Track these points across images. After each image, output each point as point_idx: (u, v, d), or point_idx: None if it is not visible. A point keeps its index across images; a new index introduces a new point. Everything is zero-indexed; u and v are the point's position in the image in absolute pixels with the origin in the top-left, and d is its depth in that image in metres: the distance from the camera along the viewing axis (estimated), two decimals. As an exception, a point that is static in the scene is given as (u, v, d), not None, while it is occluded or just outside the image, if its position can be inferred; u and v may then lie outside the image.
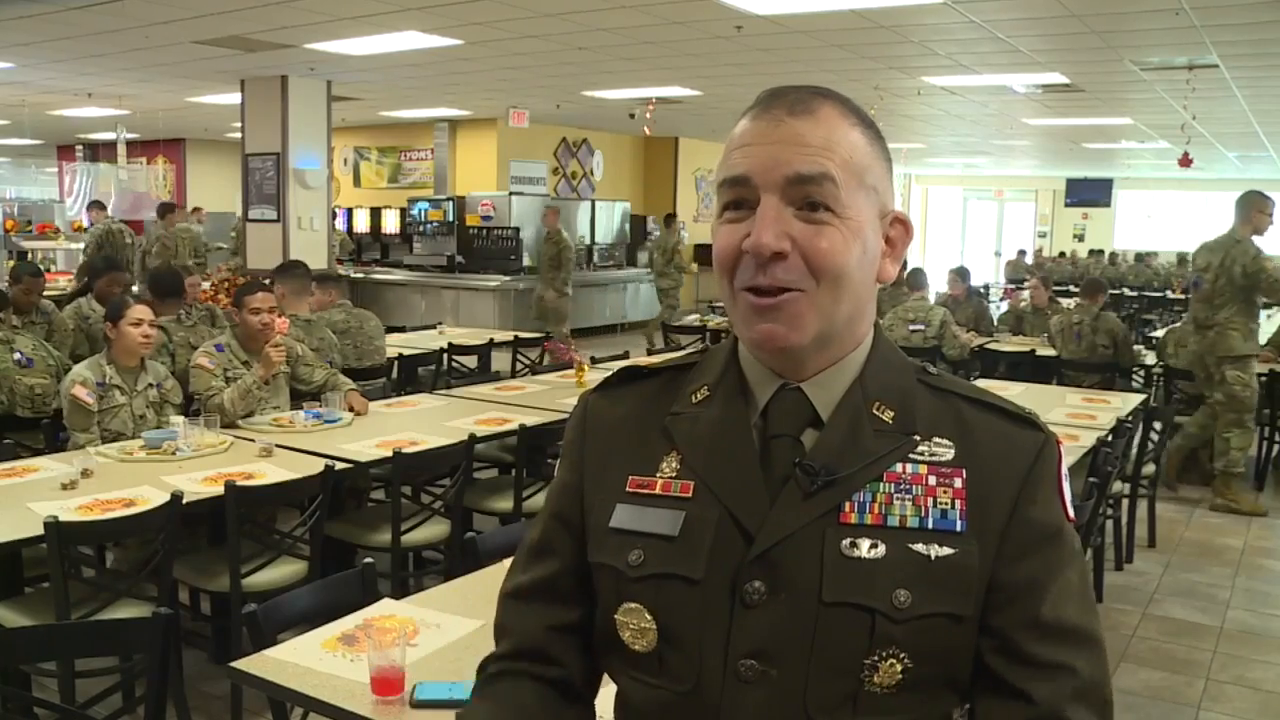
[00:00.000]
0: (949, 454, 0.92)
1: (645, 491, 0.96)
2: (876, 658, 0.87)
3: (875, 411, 0.94)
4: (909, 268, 7.34)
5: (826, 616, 0.87)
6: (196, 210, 12.90)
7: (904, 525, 0.89)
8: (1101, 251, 17.88)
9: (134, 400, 3.78)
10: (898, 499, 0.90)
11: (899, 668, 0.88)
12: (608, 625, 0.97)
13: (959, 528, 0.90)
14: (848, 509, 0.90)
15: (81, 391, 3.62)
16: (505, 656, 1.05)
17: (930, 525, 0.89)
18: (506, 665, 1.04)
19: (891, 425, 0.93)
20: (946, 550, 0.89)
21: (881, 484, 0.91)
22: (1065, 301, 8.41)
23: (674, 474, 0.96)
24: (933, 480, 0.91)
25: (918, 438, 0.93)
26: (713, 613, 0.90)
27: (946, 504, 0.90)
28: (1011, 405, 0.96)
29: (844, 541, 0.89)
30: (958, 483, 0.91)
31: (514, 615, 1.06)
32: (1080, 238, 20.50)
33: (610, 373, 1.08)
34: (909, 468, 0.92)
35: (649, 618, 0.93)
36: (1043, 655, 0.89)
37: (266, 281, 6.05)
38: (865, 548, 0.88)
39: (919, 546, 0.89)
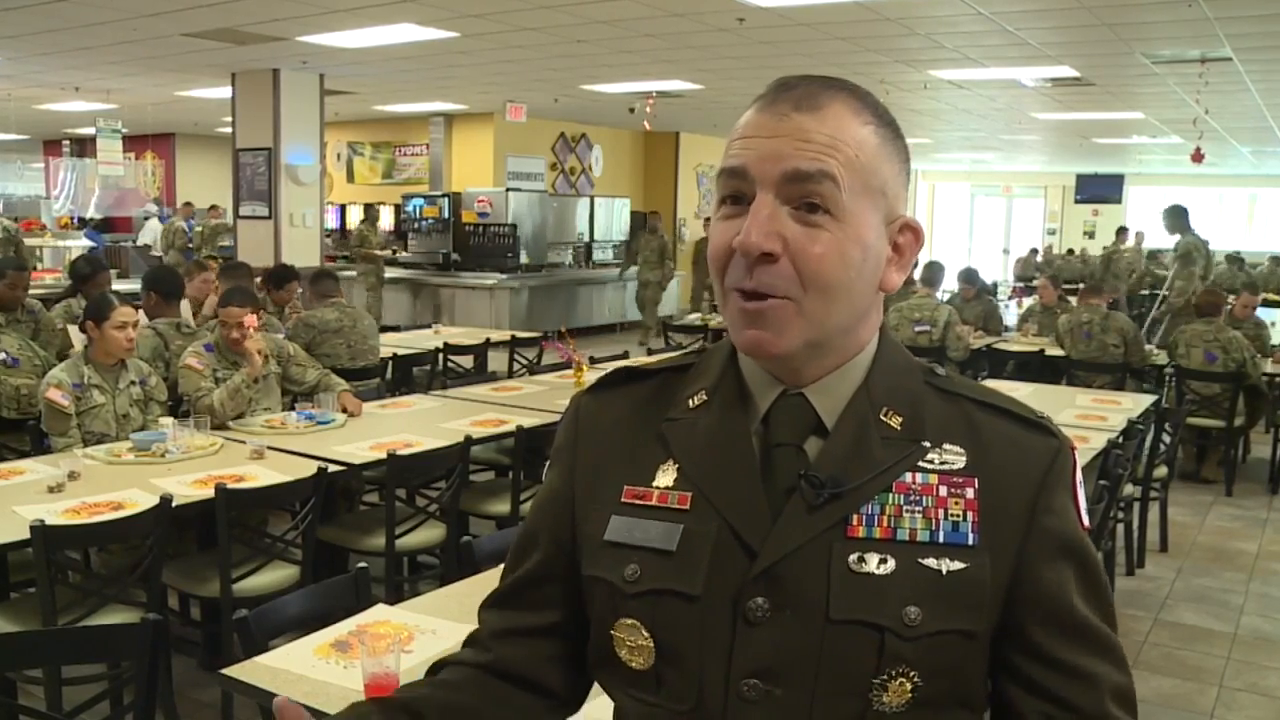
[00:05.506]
0: (960, 462, 0.89)
1: (641, 503, 0.93)
2: (886, 677, 0.84)
3: (883, 418, 0.90)
4: (924, 262, 7.26)
5: (833, 634, 0.85)
6: (214, 208, 12.84)
7: (914, 539, 0.86)
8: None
9: (116, 399, 3.75)
10: (907, 511, 0.87)
11: (909, 686, 0.85)
12: (604, 641, 0.94)
13: (971, 541, 0.87)
14: (855, 522, 0.87)
15: (56, 394, 3.59)
16: (459, 661, 1.03)
17: (941, 539, 0.87)
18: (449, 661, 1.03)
19: (900, 432, 0.90)
20: (958, 565, 0.86)
21: (890, 495, 0.88)
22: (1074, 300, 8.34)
23: (671, 484, 0.92)
24: (943, 491, 0.88)
25: (927, 445, 0.90)
26: (713, 630, 0.88)
27: (958, 516, 0.87)
28: (1023, 409, 0.93)
29: (852, 556, 0.86)
30: (969, 493, 0.88)
31: (481, 622, 1.04)
32: (1091, 235, 20.39)
33: (605, 372, 1.04)
34: (919, 477, 0.88)
35: (646, 634, 0.90)
36: (1077, 662, 0.88)
37: (258, 280, 6.04)
38: (874, 563, 0.86)
39: (930, 561, 0.86)
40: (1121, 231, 15.05)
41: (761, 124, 0.87)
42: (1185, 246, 8.11)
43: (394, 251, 12.46)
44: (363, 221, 11.70)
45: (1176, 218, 8.23)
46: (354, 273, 11.45)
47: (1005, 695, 0.91)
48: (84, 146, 16.02)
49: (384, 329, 7.45)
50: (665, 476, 0.93)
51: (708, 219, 13.44)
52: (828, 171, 0.85)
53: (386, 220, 13.52)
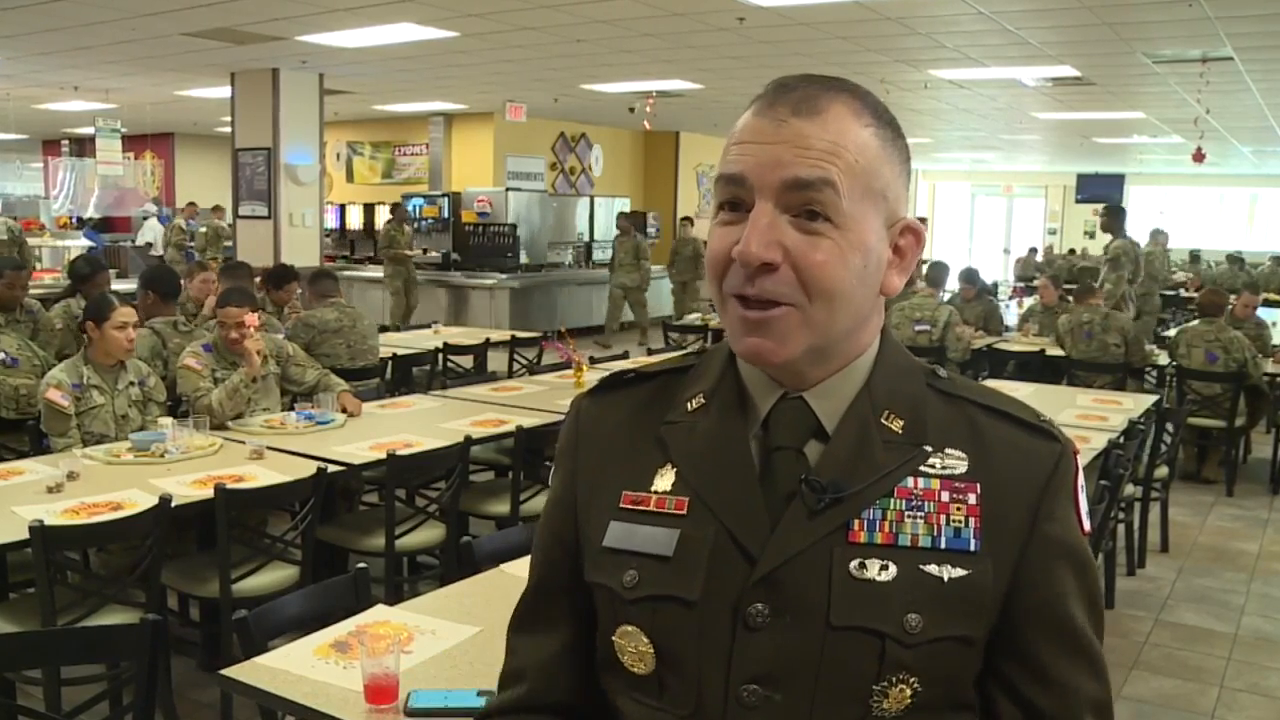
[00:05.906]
0: (962, 467, 0.88)
1: (639, 508, 0.92)
2: (886, 683, 0.84)
3: (884, 421, 0.89)
4: (929, 262, 7.23)
5: (834, 640, 0.84)
6: (217, 209, 12.82)
7: (915, 545, 0.86)
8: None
9: (115, 400, 3.74)
10: (909, 516, 0.86)
11: (909, 692, 0.84)
12: (607, 647, 0.94)
13: (973, 547, 0.86)
14: (856, 527, 0.86)
15: (55, 394, 3.58)
16: (514, 708, 1.01)
17: (943, 545, 0.86)
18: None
19: (901, 436, 0.89)
20: (960, 571, 0.85)
21: (892, 500, 0.87)
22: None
23: (668, 489, 0.91)
24: (945, 496, 0.87)
25: (929, 449, 0.89)
26: (712, 636, 0.87)
27: (960, 522, 0.86)
28: (1026, 412, 0.92)
29: (853, 562, 0.85)
30: (971, 498, 0.87)
31: (525, 652, 1.02)
32: (1091, 235, 20.27)
33: (605, 375, 1.04)
34: (920, 482, 0.87)
35: (646, 640, 0.90)
36: (1063, 673, 0.88)
37: (257, 280, 6.03)
38: (875, 569, 0.85)
39: (931, 568, 0.85)
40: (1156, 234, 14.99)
41: (760, 129, 0.86)
42: (1115, 250, 8.13)
43: (424, 251, 12.27)
44: (389, 221, 11.49)
45: (1113, 219, 8.25)
46: (380, 275, 11.37)
47: (986, 698, 0.90)
48: (83, 146, 16.00)
49: (383, 328, 7.44)
50: (663, 481, 0.92)
51: (684, 218, 13.38)
52: (828, 179, 0.83)
53: (385, 220, 13.51)
